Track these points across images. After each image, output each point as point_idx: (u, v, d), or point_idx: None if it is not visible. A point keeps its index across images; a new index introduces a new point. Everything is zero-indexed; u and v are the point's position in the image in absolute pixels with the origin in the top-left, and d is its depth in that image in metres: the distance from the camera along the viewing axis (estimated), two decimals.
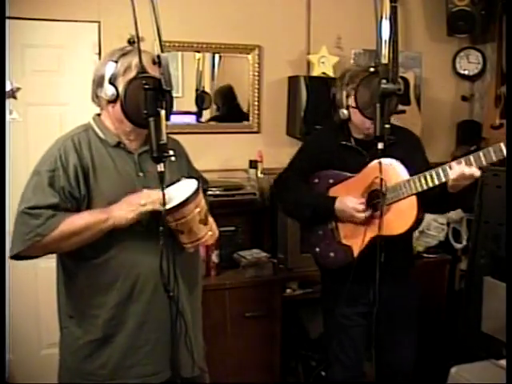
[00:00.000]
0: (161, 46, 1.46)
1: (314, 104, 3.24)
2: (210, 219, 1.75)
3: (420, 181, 2.00)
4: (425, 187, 1.98)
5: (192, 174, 1.89)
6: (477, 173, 1.88)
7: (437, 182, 1.96)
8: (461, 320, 3.27)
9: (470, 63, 3.77)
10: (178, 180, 1.74)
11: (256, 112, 3.36)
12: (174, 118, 3.06)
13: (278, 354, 2.99)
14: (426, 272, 3.25)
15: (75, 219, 1.61)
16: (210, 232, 1.73)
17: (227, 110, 3.38)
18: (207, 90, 3.28)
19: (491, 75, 3.61)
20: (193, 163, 2.01)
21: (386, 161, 1.98)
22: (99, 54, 2.97)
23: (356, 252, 2.15)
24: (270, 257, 3.08)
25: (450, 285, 3.47)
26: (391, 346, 2.30)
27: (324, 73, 3.32)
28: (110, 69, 1.66)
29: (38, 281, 3.01)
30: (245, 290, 2.90)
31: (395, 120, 2.18)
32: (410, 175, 2.05)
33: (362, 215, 2.12)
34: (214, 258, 2.93)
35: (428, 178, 1.98)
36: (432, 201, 2.09)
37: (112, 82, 1.65)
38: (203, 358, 1.92)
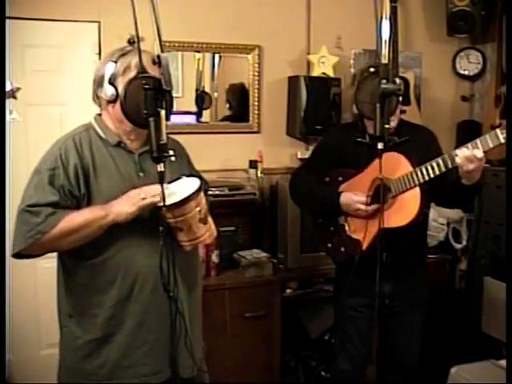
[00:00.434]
0: (161, 46, 1.46)
1: (314, 104, 3.24)
2: (210, 219, 1.75)
3: (427, 169, 2.03)
4: (432, 175, 2.02)
5: (194, 174, 1.89)
6: (480, 153, 1.90)
7: (444, 169, 1.99)
8: (461, 320, 3.27)
9: (470, 63, 3.77)
10: (179, 178, 1.74)
11: (256, 112, 3.36)
12: (174, 118, 3.06)
13: (278, 354, 2.99)
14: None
15: (75, 216, 1.61)
16: (208, 232, 1.73)
17: (239, 109, 3.37)
18: (207, 89, 3.28)
19: (491, 75, 3.61)
20: (193, 164, 2.01)
21: (392, 155, 2.04)
22: (99, 54, 2.97)
23: (365, 245, 2.19)
24: (270, 257, 3.08)
25: (450, 285, 3.47)
26: (397, 339, 2.35)
27: (324, 73, 3.32)
28: (109, 69, 1.67)
29: (37, 281, 3.01)
30: (245, 289, 2.90)
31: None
32: None
33: (367, 208, 2.16)
34: (214, 257, 2.93)
35: (435, 165, 2.01)
36: (446, 194, 2.16)
37: (112, 82, 1.65)
38: (203, 358, 1.92)
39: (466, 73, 3.79)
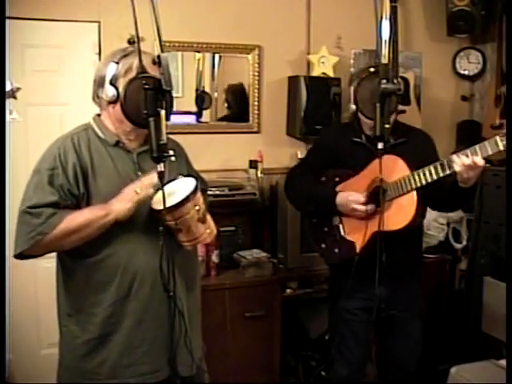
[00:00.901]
0: (161, 46, 1.46)
1: (314, 104, 3.24)
2: (209, 218, 1.75)
3: (424, 174, 2.02)
4: (429, 180, 2.01)
5: (191, 174, 1.89)
6: (481, 161, 1.89)
7: (441, 174, 1.98)
8: (461, 320, 3.27)
9: (470, 63, 3.77)
10: (175, 179, 1.74)
11: (256, 112, 3.36)
12: (174, 118, 3.06)
13: (278, 354, 3.00)
14: (426, 272, 3.23)
15: (76, 216, 1.62)
16: (207, 230, 1.73)
17: (238, 109, 3.37)
18: (207, 89, 3.28)
19: (491, 75, 3.61)
20: (192, 164, 2.01)
21: (389, 157, 2.03)
22: (99, 54, 2.97)
23: (358, 248, 2.17)
24: (270, 257, 3.08)
25: (450, 285, 3.47)
26: (396, 343, 2.33)
27: (324, 73, 3.32)
28: (111, 70, 1.67)
29: (37, 281, 3.01)
30: (245, 289, 2.90)
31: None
32: None
33: (363, 208, 2.15)
34: (214, 257, 2.93)
35: (432, 170, 2.00)
36: (442, 198, 2.14)
37: (113, 83, 1.66)
38: (202, 358, 1.93)
39: (466, 73, 3.79)
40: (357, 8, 3.37)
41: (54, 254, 1.74)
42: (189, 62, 3.23)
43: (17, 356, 3.01)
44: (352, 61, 3.45)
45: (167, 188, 1.62)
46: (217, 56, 3.28)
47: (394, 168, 2.10)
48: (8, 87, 2.85)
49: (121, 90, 1.63)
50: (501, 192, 2.95)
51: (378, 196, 1.98)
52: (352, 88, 2.26)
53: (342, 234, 2.28)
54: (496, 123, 3.41)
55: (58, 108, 2.99)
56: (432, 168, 2.00)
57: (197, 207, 1.65)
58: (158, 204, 1.58)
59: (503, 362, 2.29)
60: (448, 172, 1.97)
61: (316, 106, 3.24)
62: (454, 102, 3.83)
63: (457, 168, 1.93)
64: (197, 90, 3.26)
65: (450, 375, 2.39)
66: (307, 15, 3.40)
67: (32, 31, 2.88)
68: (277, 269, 3.06)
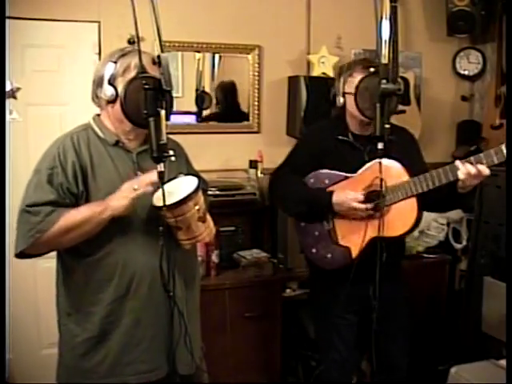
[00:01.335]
0: (161, 46, 1.46)
1: (313, 104, 3.23)
2: (208, 217, 1.75)
3: (426, 180, 1.98)
4: (431, 187, 1.97)
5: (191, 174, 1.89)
6: (486, 171, 1.86)
7: (444, 181, 1.95)
8: (461, 320, 3.27)
9: (470, 63, 3.77)
10: (176, 177, 1.74)
11: (256, 112, 3.36)
12: (174, 118, 3.06)
13: (278, 354, 2.99)
14: (426, 272, 3.26)
15: (74, 213, 1.62)
16: (207, 230, 1.73)
17: (227, 106, 3.37)
18: (207, 90, 3.28)
19: (491, 75, 3.61)
20: (193, 164, 2.02)
21: (385, 161, 1.95)
22: (99, 54, 2.97)
23: (355, 253, 2.11)
24: (270, 257, 3.08)
25: (450, 285, 3.47)
26: (385, 343, 2.28)
27: (324, 73, 3.32)
28: (109, 69, 1.68)
29: (37, 281, 3.02)
30: (245, 289, 2.90)
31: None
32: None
33: (363, 206, 2.06)
34: (214, 257, 2.93)
35: (435, 177, 1.96)
36: (439, 201, 2.09)
37: (111, 83, 1.66)
38: (202, 358, 1.93)
39: (466, 73, 3.79)
40: (357, 8, 3.37)
41: (53, 254, 1.75)
42: (189, 62, 3.23)
43: (17, 356, 3.02)
44: None
45: (169, 186, 1.63)
46: (217, 56, 3.28)
47: (391, 172, 2.03)
48: (8, 87, 2.85)
49: (120, 89, 1.63)
50: (501, 192, 2.95)
51: (376, 200, 1.95)
52: (341, 80, 2.19)
53: (336, 238, 2.18)
54: (496, 123, 3.41)
55: (58, 108, 3.00)
56: (435, 174, 1.96)
57: (197, 206, 1.65)
58: (158, 201, 1.58)
59: (503, 362, 2.29)
60: (451, 179, 1.93)
61: (316, 106, 3.23)
62: (454, 102, 3.83)
63: (461, 176, 1.89)
64: (197, 90, 3.26)
65: (449, 375, 2.39)
66: (307, 15, 3.40)
67: (32, 31, 2.88)
68: (277, 269, 3.06)
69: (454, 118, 3.83)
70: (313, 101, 3.24)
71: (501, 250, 3.01)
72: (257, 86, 3.34)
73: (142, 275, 1.69)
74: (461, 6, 3.47)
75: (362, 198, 2.08)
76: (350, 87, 2.12)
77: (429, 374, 3.04)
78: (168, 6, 2.86)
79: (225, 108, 3.37)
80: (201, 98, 3.26)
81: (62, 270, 1.76)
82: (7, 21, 2.55)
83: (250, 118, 3.37)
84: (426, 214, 2.36)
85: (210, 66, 3.29)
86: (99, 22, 2.99)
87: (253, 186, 3.14)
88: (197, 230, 1.68)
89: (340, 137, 2.21)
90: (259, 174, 3.19)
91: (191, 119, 3.27)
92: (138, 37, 1.45)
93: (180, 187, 1.66)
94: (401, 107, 3.31)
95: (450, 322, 3.33)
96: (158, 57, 1.46)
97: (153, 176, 1.56)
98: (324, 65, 3.32)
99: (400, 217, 2.06)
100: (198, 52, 3.23)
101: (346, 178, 2.17)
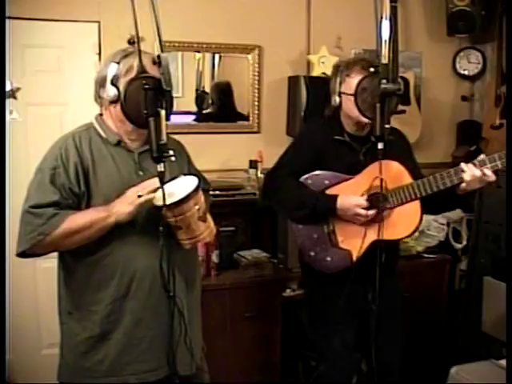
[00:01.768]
0: (161, 46, 1.46)
1: (314, 104, 3.23)
2: (209, 217, 1.75)
3: (430, 184, 1.96)
4: (435, 189, 1.95)
5: (193, 173, 1.89)
6: (492, 177, 1.86)
7: (448, 185, 1.93)
8: (461, 320, 3.27)
9: (470, 63, 3.77)
10: (177, 177, 1.74)
11: (256, 112, 3.36)
12: (174, 118, 3.06)
13: (278, 354, 2.99)
14: (426, 272, 3.26)
15: (77, 217, 1.62)
16: (207, 229, 1.73)
17: (221, 106, 3.36)
18: (207, 90, 3.28)
19: (491, 75, 3.62)
20: (194, 163, 2.01)
21: (387, 163, 1.95)
22: (99, 54, 2.98)
23: (355, 256, 2.08)
24: (270, 257, 3.08)
25: (450, 285, 3.46)
26: (380, 343, 2.28)
27: (324, 73, 3.31)
28: (112, 70, 1.68)
29: (37, 281, 3.02)
30: (245, 290, 2.90)
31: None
32: None
33: (364, 212, 2.04)
34: (214, 258, 2.93)
35: (439, 180, 1.94)
36: (437, 202, 2.08)
37: (114, 83, 1.66)
38: (203, 358, 1.93)
39: (466, 73, 3.79)
40: (357, 8, 3.37)
41: (54, 254, 1.75)
42: (189, 62, 3.23)
43: (17, 356, 3.02)
44: None
45: (169, 185, 1.63)
46: (217, 56, 3.28)
47: (394, 174, 2.03)
48: (8, 87, 2.85)
49: (121, 89, 1.63)
50: (501, 192, 2.95)
51: (378, 202, 1.94)
52: (337, 80, 2.15)
53: (336, 241, 2.15)
54: (496, 123, 3.41)
55: (58, 108, 3.00)
56: (439, 177, 1.94)
57: (197, 206, 1.65)
58: (159, 201, 1.58)
59: (503, 362, 2.28)
60: (456, 182, 1.92)
61: (316, 106, 3.23)
62: (454, 102, 3.84)
63: (466, 178, 1.88)
64: (197, 90, 3.26)
65: (450, 375, 2.38)
66: (307, 15, 3.40)
67: (32, 31, 2.88)
68: (277, 269, 3.06)
69: (454, 118, 3.83)
70: (313, 101, 3.24)
71: (501, 250, 3.01)
72: (257, 86, 3.34)
73: (143, 275, 1.69)
74: (461, 5, 3.47)
75: (365, 204, 2.05)
76: (348, 88, 2.09)
77: (429, 374, 3.04)
78: (168, 6, 2.86)
79: (219, 108, 3.36)
80: (201, 98, 3.27)
81: (63, 269, 1.77)
82: (7, 21, 2.55)
83: (250, 118, 3.37)
84: (425, 214, 2.35)
85: (209, 66, 3.29)
86: (99, 22, 2.99)
87: (253, 186, 3.14)
88: (197, 229, 1.68)
89: (337, 137, 2.18)
90: (259, 174, 3.19)
91: (191, 119, 3.27)
92: (137, 37, 1.45)
93: (180, 187, 1.66)
94: (401, 107, 3.32)
95: (450, 321, 3.33)
96: (158, 57, 1.47)
97: (156, 183, 1.55)
98: (324, 65, 3.32)
99: (402, 220, 2.04)
100: (198, 52, 3.23)
101: (346, 179, 2.14)
